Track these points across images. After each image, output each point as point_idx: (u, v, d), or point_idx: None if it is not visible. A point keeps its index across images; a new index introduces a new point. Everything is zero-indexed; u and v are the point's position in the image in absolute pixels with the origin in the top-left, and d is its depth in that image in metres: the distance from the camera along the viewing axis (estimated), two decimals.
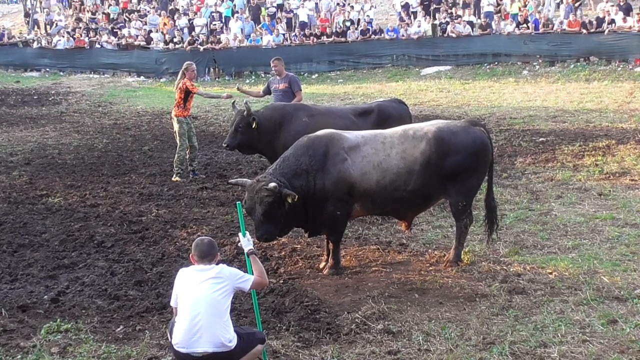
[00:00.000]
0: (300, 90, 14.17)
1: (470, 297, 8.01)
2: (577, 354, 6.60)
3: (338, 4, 36.16)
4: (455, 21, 31.34)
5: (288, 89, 13.88)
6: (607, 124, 17.83)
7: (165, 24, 35.26)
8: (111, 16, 37.96)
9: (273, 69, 14.16)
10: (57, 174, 14.81)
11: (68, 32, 35.29)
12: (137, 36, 34.44)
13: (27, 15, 40.77)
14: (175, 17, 35.83)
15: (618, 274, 8.42)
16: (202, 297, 5.92)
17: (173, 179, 14.02)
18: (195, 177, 14.16)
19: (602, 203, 11.44)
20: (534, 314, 7.52)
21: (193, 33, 34.02)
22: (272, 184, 8.16)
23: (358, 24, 33.17)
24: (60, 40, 34.81)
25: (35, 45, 35.70)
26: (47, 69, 34.53)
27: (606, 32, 28.03)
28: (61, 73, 33.79)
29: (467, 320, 7.45)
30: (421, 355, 6.73)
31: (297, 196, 8.19)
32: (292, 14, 35.72)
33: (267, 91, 14.27)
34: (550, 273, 8.57)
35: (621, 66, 27.16)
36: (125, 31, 35.18)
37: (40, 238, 10.61)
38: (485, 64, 30.01)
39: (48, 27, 38.40)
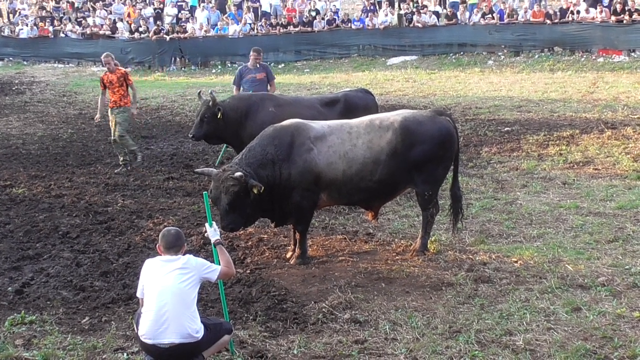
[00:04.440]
0: (274, 79, 14.27)
1: (436, 286, 8.06)
2: (541, 342, 6.68)
3: None
4: (421, 11, 31.40)
5: (265, 78, 13.88)
6: (571, 114, 18.01)
7: (130, 14, 34.89)
8: (76, 5, 37.42)
9: (253, 59, 14.06)
10: (21, 164, 14.65)
11: (34, 22, 34.77)
12: (102, 25, 34.02)
13: None
14: (141, 7, 35.44)
15: (582, 262, 8.53)
16: (169, 287, 5.90)
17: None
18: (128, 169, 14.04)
19: (566, 192, 11.56)
20: (499, 302, 7.59)
21: (158, 22, 33.67)
22: (238, 173, 8.13)
23: (324, 14, 33.08)
24: (23, 29, 34.25)
25: None
26: (10, 58, 33.96)
27: (570, 22, 28.28)
28: (25, 62, 33.28)
29: (433, 309, 7.50)
30: (388, 344, 6.77)
31: (262, 187, 8.16)
32: (258, 3, 35.50)
33: (238, 83, 14.11)
34: (516, 262, 8.65)
35: (584, 56, 27.42)
36: (90, 20, 34.72)
37: (4, 229, 10.49)
38: (451, 54, 30.13)
39: (11, 15, 37.81)
